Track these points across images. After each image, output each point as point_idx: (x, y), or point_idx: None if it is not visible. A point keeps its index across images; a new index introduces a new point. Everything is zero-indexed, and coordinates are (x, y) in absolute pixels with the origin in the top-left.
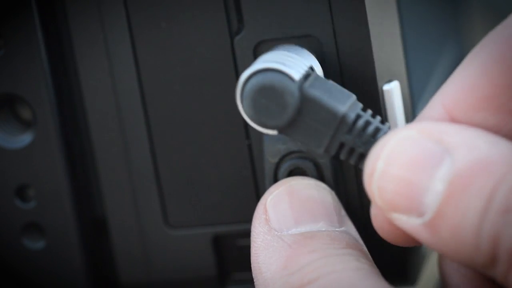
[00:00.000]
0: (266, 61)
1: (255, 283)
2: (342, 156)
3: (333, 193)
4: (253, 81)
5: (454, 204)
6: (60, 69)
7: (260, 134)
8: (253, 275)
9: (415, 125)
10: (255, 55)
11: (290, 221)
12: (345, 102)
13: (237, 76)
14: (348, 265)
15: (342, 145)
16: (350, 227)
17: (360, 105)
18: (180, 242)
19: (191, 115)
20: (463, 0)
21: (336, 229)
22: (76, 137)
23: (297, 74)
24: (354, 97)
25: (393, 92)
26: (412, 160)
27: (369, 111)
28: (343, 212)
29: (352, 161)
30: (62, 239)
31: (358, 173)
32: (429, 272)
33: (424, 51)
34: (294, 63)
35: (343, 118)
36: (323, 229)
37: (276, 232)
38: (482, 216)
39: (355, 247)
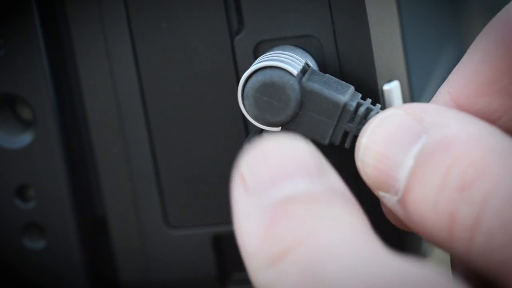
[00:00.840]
0: (263, 60)
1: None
2: (347, 145)
3: (309, 144)
4: (253, 80)
5: (418, 180)
6: (60, 69)
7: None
8: (240, 248)
9: (404, 105)
10: (255, 55)
11: (267, 186)
12: (345, 92)
13: (237, 76)
14: (328, 227)
15: (346, 134)
16: (331, 177)
17: (359, 95)
18: (180, 242)
19: (191, 115)
20: (463, 0)
21: (316, 185)
22: (76, 137)
23: (295, 69)
24: (352, 87)
25: (393, 92)
26: (391, 136)
27: (369, 100)
28: (323, 161)
29: None
30: (62, 239)
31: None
32: None
33: (424, 51)
34: (291, 59)
35: (344, 107)
36: (301, 188)
37: (254, 200)
38: (438, 192)
39: (337, 201)
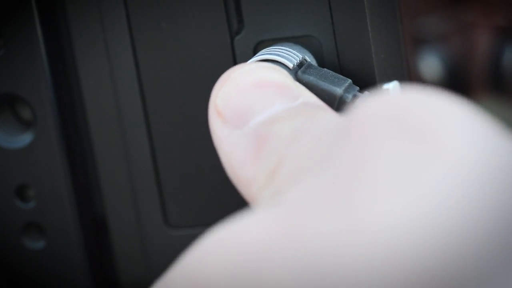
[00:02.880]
0: (259, 54)
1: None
2: None
3: (278, 67)
4: None
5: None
6: (60, 69)
7: None
8: (233, 181)
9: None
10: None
11: (246, 115)
12: (342, 84)
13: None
14: (314, 129)
15: None
16: (308, 97)
17: (357, 88)
18: (180, 242)
19: (191, 115)
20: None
21: (294, 103)
22: (76, 137)
23: (291, 62)
24: (350, 80)
25: (393, 92)
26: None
27: (367, 92)
28: (297, 84)
29: None
30: (62, 239)
31: None
32: None
33: None
34: (287, 53)
35: (341, 99)
36: (280, 108)
37: (237, 131)
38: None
39: (317, 111)
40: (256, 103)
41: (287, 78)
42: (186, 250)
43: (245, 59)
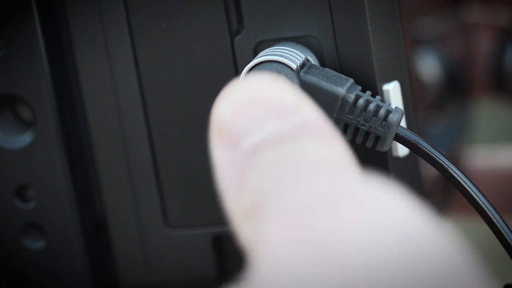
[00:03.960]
0: (262, 55)
1: None
2: (348, 137)
3: (282, 78)
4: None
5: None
6: (60, 69)
7: None
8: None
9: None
10: (255, 55)
11: (239, 135)
12: (344, 84)
13: (237, 76)
14: (291, 169)
15: (346, 126)
16: (306, 111)
17: (359, 87)
18: (180, 242)
19: (191, 115)
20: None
21: (286, 124)
22: (76, 137)
23: (294, 63)
24: (352, 80)
25: (393, 92)
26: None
27: (369, 92)
28: (298, 95)
29: (358, 141)
30: (62, 239)
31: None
32: None
33: None
34: (290, 54)
35: (343, 99)
36: (270, 131)
37: (229, 153)
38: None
39: (305, 136)
40: (248, 122)
41: (288, 91)
42: (186, 250)
43: (245, 59)
